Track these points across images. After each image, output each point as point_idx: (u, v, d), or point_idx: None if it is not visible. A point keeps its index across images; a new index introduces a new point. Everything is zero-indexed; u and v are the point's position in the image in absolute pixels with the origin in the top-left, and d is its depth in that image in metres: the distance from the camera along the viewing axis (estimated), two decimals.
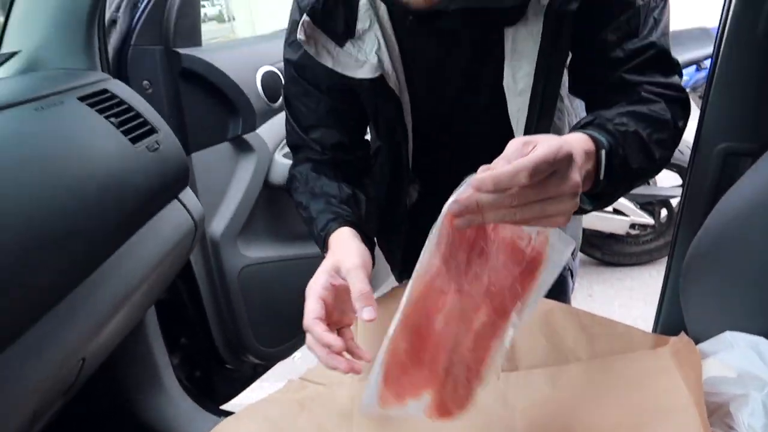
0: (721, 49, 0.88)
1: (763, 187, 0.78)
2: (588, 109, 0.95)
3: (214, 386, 1.51)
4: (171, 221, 0.96)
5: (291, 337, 1.52)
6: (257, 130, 1.36)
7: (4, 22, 0.96)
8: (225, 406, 1.44)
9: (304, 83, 0.92)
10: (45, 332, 0.67)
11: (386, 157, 0.99)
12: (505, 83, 0.83)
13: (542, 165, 0.54)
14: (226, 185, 1.35)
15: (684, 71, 2.46)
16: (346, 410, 0.80)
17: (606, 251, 2.75)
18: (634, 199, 2.61)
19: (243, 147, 1.36)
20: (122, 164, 0.85)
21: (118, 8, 1.12)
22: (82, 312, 0.73)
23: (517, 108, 0.84)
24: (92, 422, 1.24)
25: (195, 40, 1.27)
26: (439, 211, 1.00)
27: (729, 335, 0.76)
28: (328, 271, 0.73)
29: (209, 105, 1.29)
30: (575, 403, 0.78)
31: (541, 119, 0.85)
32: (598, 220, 2.62)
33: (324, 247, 0.86)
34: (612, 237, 2.72)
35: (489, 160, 0.89)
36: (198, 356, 1.46)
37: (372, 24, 0.82)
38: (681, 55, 2.51)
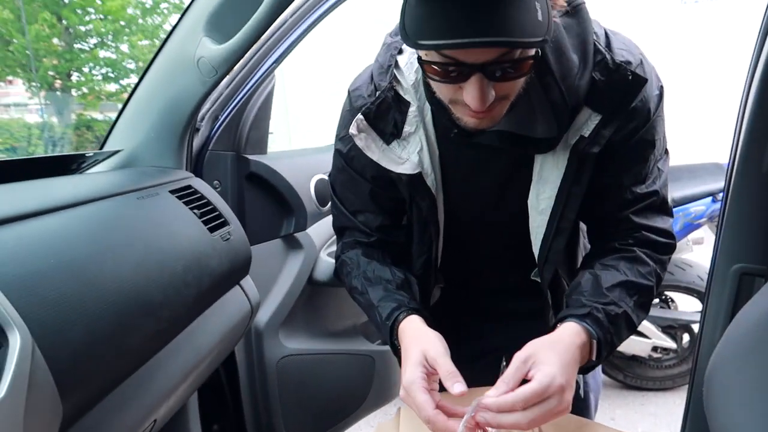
0: (732, 182, 1.00)
1: None
2: (590, 236, 1.07)
3: None
4: (234, 303, 1.07)
5: (320, 429, 1.55)
6: (307, 230, 1.49)
7: (113, 123, 1.13)
8: None
9: (351, 172, 1.02)
10: (128, 392, 0.76)
11: (417, 253, 1.07)
12: (529, 201, 0.95)
13: (533, 398, 0.74)
14: (275, 278, 1.46)
15: (701, 201, 2.60)
16: None
17: (628, 374, 2.73)
18: (655, 321, 2.63)
19: (293, 244, 1.48)
20: (202, 249, 0.97)
21: (202, 118, 1.30)
22: (158, 376, 0.82)
23: (537, 224, 0.96)
24: None
25: (262, 148, 1.44)
26: (459, 310, 1.13)
27: None
28: (421, 362, 0.82)
29: (268, 205, 1.43)
30: None
31: (557, 237, 0.95)
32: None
33: (391, 334, 0.93)
34: (634, 359, 2.71)
35: (507, 268, 1.06)
36: None
37: (417, 129, 0.92)
38: (698, 188, 2.67)
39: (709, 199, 2.55)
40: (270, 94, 1.41)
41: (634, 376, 2.72)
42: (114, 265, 0.78)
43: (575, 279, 0.96)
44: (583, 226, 1.12)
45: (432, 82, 0.81)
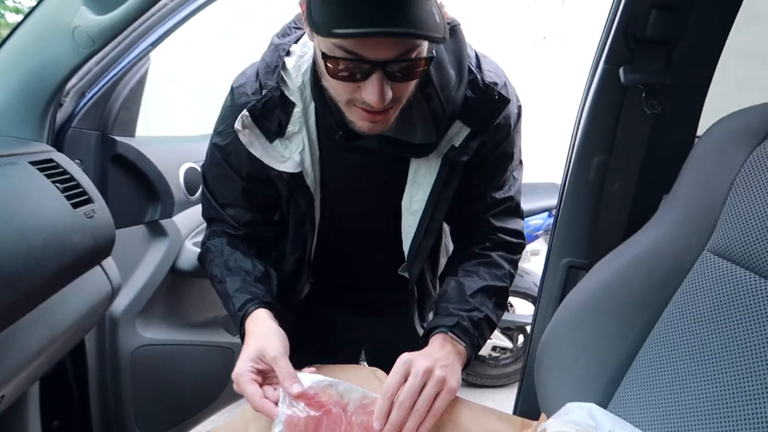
0: (565, 189, 1.18)
1: (591, 292, 1.03)
2: (454, 238, 1.19)
3: None
4: (94, 284, 1.03)
5: (173, 424, 1.51)
6: (173, 218, 1.46)
7: None
8: None
9: (226, 166, 1.03)
10: None
11: (291, 249, 1.10)
12: (403, 203, 1.04)
13: (396, 386, 0.85)
14: (136, 266, 1.41)
15: (539, 216, 2.90)
16: None
17: (471, 372, 2.95)
18: None
19: (157, 231, 1.44)
20: (64, 224, 0.93)
21: (67, 93, 1.23)
22: (12, 349, 0.78)
23: (409, 224, 1.05)
24: None
25: (130, 131, 1.39)
26: (328, 304, 1.20)
27: (569, 405, 0.94)
28: (253, 358, 0.86)
29: (133, 189, 1.39)
30: None
31: (426, 236, 1.05)
32: None
33: (241, 326, 0.96)
34: (476, 358, 2.94)
35: (377, 266, 1.15)
36: None
37: (301, 129, 0.97)
38: (536, 203, 2.97)
39: (546, 214, 2.85)
40: (143, 77, 1.37)
41: (476, 374, 2.95)
42: None
43: (442, 286, 1.05)
44: (446, 228, 1.23)
45: (331, 84, 0.85)
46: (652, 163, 1.09)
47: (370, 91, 0.81)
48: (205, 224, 1.15)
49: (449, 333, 0.95)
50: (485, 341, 1.02)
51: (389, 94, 0.82)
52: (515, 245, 1.10)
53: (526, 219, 2.99)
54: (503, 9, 4.95)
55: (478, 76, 0.96)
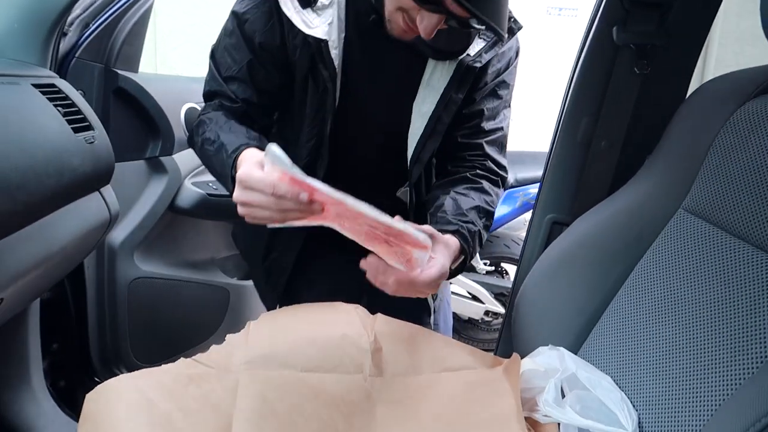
0: (553, 148, 1.20)
1: (569, 245, 1.07)
2: (448, 162, 1.20)
3: (77, 399, 1.50)
4: (92, 209, 1.07)
5: (168, 356, 1.57)
6: (173, 156, 1.50)
7: None
8: None
9: (239, 35, 1.04)
10: None
11: (307, 136, 1.09)
12: (414, 104, 1.09)
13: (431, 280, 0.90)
14: (135, 200, 1.45)
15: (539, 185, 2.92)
16: (231, 387, 0.91)
17: (463, 335, 3.02)
18: (489, 288, 2.94)
19: (157, 168, 1.48)
20: (65, 145, 0.97)
21: (71, 24, 1.25)
22: (9, 258, 0.82)
23: (417, 126, 1.10)
24: None
25: (133, 66, 1.42)
26: (332, 236, 1.20)
27: (541, 348, 0.99)
28: (259, 162, 0.79)
29: (134, 124, 1.42)
30: (425, 401, 0.95)
31: (431, 137, 1.10)
32: (458, 305, 2.91)
33: (233, 167, 0.91)
34: (469, 322, 3.01)
35: (378, 186, 1.16)
36: (67, 365, 1.46)
37: (332, 4, 1.00)
38: (538, 172, 2.98)
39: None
40: (147, 12, 1.39)
41: (468, 338, 3.01)
42: None
43: (436, 202, 1.10)
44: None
45: None
46: (639, 123, 1.12)
47: (426, 23, 0.90)
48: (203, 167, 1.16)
49: (452, 237, 0.99)
50: (473, 257, 1.06)
51: (436, 30, 0.91)
52: (500, 179, 1.17)
53: (526, 186, 2.99)
54: None
55: None
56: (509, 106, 1.18)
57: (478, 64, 1.05)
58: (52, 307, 1.37)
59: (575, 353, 0.98)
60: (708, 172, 0.89)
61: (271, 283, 1.28)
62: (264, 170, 0.77)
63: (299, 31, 0.99)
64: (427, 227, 0.92)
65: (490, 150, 1.15)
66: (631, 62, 1.06)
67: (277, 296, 1.28)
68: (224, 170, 0.94)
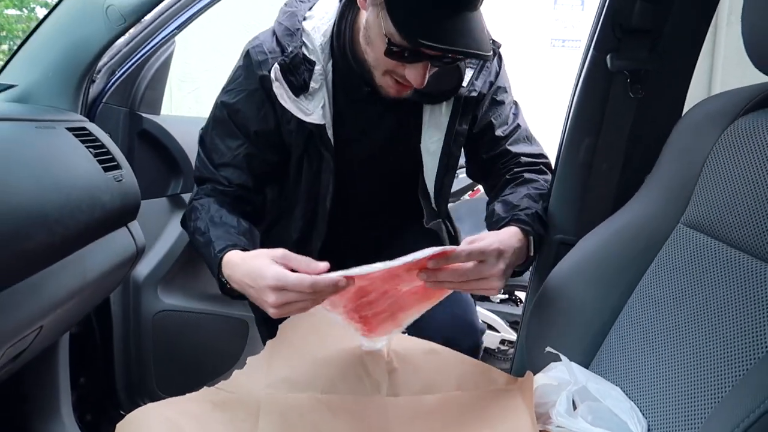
0: (557, 170, 1.25)
1: (575, 263, 1.10)
2: (485, 180, 1.26)
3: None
4: (121, 242, 1.13)
5: (191, 387, 1.59)
6: None
7: (9, 58, 1.16)
8: None
9: (231, 125, 1.08)
10: (19, 294, 0.82)
11: (302, 210, 1.14)
12: (422, 145, 1.13)
13: (476, 253, 0.87)
14: (158, 235, 1.52)
15: None
16: (254, 411, 0.94)
17: None
18: (504, 317, 2.94)
19: (179, 204, 1.55)
20: (96, 183, 1.04)
21: (98, 71, 1.35)
22: (47, 288, 0.88)
23: (430, 165, 1.14)
24: None
25: (155, 109, 1.50)
26: (340, 266, 1.24)
27: (552, 364, 1.02)
28: (274, 259, 0.83)
29: (156, 164, 1.50)
30: (442, 419, 0.98)
31: (447, 172, 1.15)
32: None
33: (219, 268, 0.94)
34: (486, 352, 3.00)
35: (394, 220, 1.21)
36: (93, 398, 1.51)
37: (321, 86, 1.05)
38: None
39: None
40: (169, 58, 1.48)
41: None
42: (14, 178, 0.84)
43: (488, 210, 1.13)
44: None
45: (377, 56, 0.96)
46: (637, 145, 1.16)
47: (413, 74, 0.94)
48: None
49: (512, 225, 1.02)
50: (541, 236, 1.08)
51: (427, 76, 0.95)
52: (541, 165, 1.20)
53: None
54: (522, 12, 5.00)
55: None
56: (515, 105, 1.22)
57: (474, 94, 1.10)
58: (79, 342, 1.42)
59: (587, 367, 1.00)
60: (704, 187, 0.93)
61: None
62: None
63: (293, 116, 1.04)
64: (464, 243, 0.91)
65: (517, 149, 1.18)
66: (625, 87, 1.11)
67: None
68: (212, 268, 0.97)
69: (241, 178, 1.09)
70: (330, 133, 1.08)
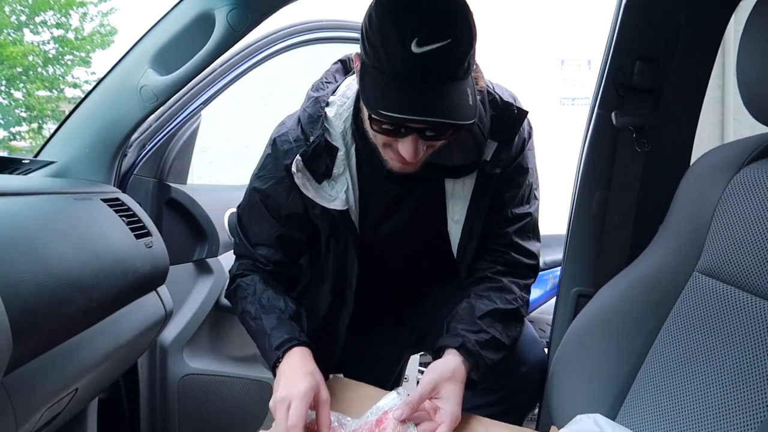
0: (571, 223, 1.28)
1: (594, 315, 1.11)
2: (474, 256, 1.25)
3: None
4: (151, 306, 1.17)
5: None
6: (218, 257, 1.62)
7: (50, 136, 1.24)
8: None
9: (263, 209, 1.13)
10: (58, 356, 0.86)
11: (330, 286, 1.18)
12: (448, 214, 1.14)
13: (417, 403, 0.96)
14: (184, 299, 1.55)
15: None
16: None
17: None
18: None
19: (204, 269, 1.60)
20: (128, 249, 1.09)
21: (130, 145, 1.43)
22: (84, 350, 0.92)
23: (455, 232, 1.14)
24: None
25: (182, 179, 1.58)
26: (371, 335, 1.27)
27: (578, 416, 1.01)
28: (309, 398, 0.95)
29: (184, 230, 1.56)
30: None
31: (470, 240, 1.15)
32: None
33: (276, 362, 1.04)
34: None
35: (420, 289, 1.23)
36: None
37: (344, 170, 1.08)
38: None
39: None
40: (195, 131, 1.57)
41: None
42: (56, 246, 0.89)
43: (455, 308, 1.13)
44: None
45: (370, 130, 0.98)
46: (648, 196, 1.20)
47: (405, 149, 0.94)
48: None
49: (457, 354, 1.03)
50: (493, 361, 1.08)
51: (422, 150, 0.95)
52: (528, 268, 1.18)
53: (554, 269, 3.00)
54: (531, 72, 5.14)
55: (496, 96, 1.09)
56: (536, 189, 1.20)
57: (497, 170, 1.09)
58: (107, 407, 1.44)
59: (613, 419, 1.00)
60: (716, 234, 0.95)
61: (324, 362, 1.30)
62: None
63: (317, 203, 1.09)
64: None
65: (517, 238, 1.16)
66: (632, 142, 1.16)
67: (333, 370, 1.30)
68: (268, 358, 1.07)
69: (276, 256, 1.15)
70: (355, 216, 1.11)
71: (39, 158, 1.23)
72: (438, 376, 0.99)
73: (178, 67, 1.13)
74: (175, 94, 1.19)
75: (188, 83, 1.18)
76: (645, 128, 1.14)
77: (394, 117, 0.89)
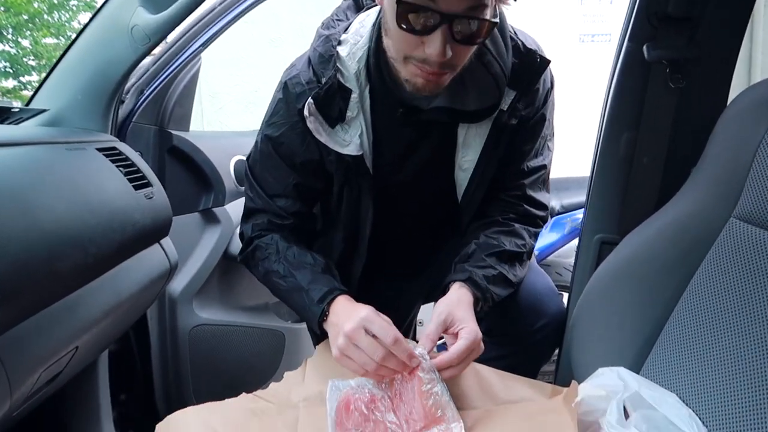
0: (596, 167, 1.21)
1: (621, 262, 1.05)
2: (483, 204, 1.20)
3: None
4: (154, 260, 1.13)
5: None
6: (225, 206, 1.57)
7: (40, 83, 1.17)
8: None
9: (277, 158, 1.08)
10: (56, 314, 0.82)
11: (343, 235, 1.15)
12: (456, 160, 1.09)
13: (466, 352, 0.91)
14: (191, 250, 1.52)
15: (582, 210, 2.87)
16: (291, 422, 0.93)
17: None
18: None
19: (211, 219, 1.55)
20: (127, 202, 1.04)
21: (127, 91, 1.36)
22: (83, 307, 0.88)
23: (461, 179, 1.11)
24: None
25: (184, 126, 1.51)
26: (384, 285, 1.23)
27: (600, 369, 0.97)
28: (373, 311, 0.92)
29: (188, 179, 1.50)
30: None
31: (477, 189, 1.11)
32: None
33: (322, 317, 0.99)
34: None
35: (433, 237, 1.18)
36: (134, 415, 1.51)
37: (358, 114, 1.03)
38: (584, 197, 2.96)
39: None
40: (195, 75, 1.49)
41: None
42: (47, 199, 0.84)
43: (463, 249, 1.11)
44: None
45: (394, 38, 0.92)
46: (680, 137, 1.11)
47: (432, 45, 0.87)
48: None
49: (463, 285, 1.01)
50: (499, 297, 1.06)
51: (449, 52, 0.88)
52: (538, 218, 1.16)
53: (573, 212, 2.95)
54: (550, 9, 4.93)
55: (519, 43, 1.03)
56: (551, 138, 1.16)
57: (514, 121, 1.04)
58: (118, 359, 1.43)
59: (637, 373, 0.96)
60: (756, 178, 0.88)
61: None
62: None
63: (332, 149, 1.04)
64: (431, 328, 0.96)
65: (530, 191, 1.14)
66: (664, 78, 1.07)
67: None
68: (308, 313, 1.02)
69: (295, 206, 1.11)
70: (369, 161, 1.06)
71: (30, 107, 1.17)
72: (447, 305, 0.97)
73: (170, 4, 1.05)
74: (169, 33, 1.11)
75: (182, 22, 1.09)
76: (680, 62, 1.04)
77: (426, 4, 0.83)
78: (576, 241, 2.89)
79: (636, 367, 0.97)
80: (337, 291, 1.00)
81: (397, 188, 1.15)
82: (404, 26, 0.87)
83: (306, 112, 1.00)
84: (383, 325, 0.89)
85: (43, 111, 1.15)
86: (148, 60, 1.39)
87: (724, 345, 0.82)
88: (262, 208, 1.12)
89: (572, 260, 2.88)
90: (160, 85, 1.39)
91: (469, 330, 0.92)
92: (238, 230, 1.60)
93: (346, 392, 0.91)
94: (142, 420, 1.54)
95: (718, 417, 0.77)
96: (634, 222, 1.10)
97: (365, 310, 0.91)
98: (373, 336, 0.88)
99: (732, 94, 1.07)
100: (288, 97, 1.05)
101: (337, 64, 1.01)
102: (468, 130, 1.06)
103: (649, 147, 1.12)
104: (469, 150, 1.07)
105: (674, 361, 0.90)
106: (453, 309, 0.96)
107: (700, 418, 0.79)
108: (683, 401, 0.83)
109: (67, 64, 1.16)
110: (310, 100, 1.00)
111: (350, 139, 1.03)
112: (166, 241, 1.21)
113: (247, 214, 1.16)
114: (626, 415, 0.85)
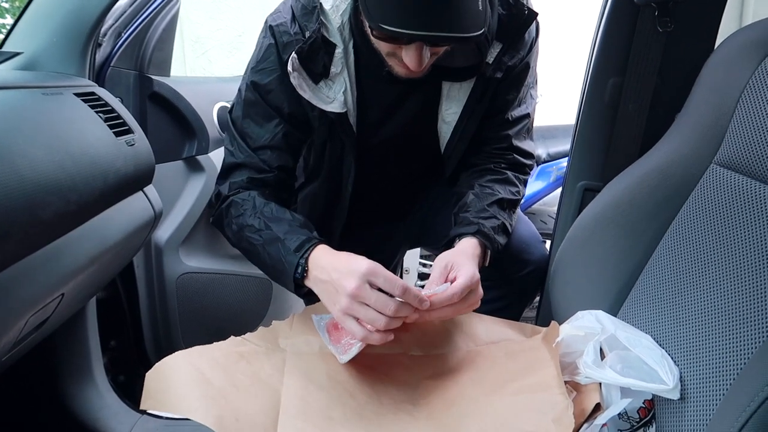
0: (581, 112, 1.20)
1: (602, 209, 1.07)
2: (471, 156, 1.21)
3: (136, 391, 1.57)
4: (137, 208, 1.12)
5: None
6: (209, 154, 1.55)
7: (12, 25, 1.13)
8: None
9: (264, 106, 1.05)
10: (38, 262, 0.82)
11: (325, 189, 1.14)
12: (439, 113, 1.09)
13: (463, 292, 0.89)
14: (176, 198, 1.51)
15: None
16: (279, 365, 0.95)
17: None
18: None
19: (195, 166, 1.53)
20: (107, 149, 1.02)
21: (104, 34, 1.31)
22: (66, 255, 0.88)
23: (444, 132, 1.11)
24: (20, 407, 1.29)
25: (165, 70, 1.47)
26: (366, 231, 1.23)
27: (579, 312, 1.00)
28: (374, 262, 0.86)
29: (170, 126, 1.47)
30: (466, 371, 0.97)
31: (459, 142, 1.11)
32: None
33: (304, 267, 0.92)
34: None
35: (414, 188, 1.18)
36: (125, 360, 1.54)
37: (342, 69, 1.00)
38: (565, 146, 2.95)
39: None
40: (174, 17, 1.44)
41: None
42: (24, 145, 0.82)
43: (462, 199, 1.11)
44: None
45: (372, 38, 0.91)
46: (666, 83, 1.11)
47: (409, 57, 0.87)
48: None
49: (474, 238, 1.02)
50: (502, 246, 1.08)
51: (427, 57, 0.87)
52: (526, 166, 1.18)
53: (559, 160, 2.96)
54: None
55: None
56: (534, 86, 1.16)
57: (499, 74, 1.03)
58: (107, 306, 1.44)
59: (615, 315, 0.98)
60: (739, 124, 0.88)
61: None
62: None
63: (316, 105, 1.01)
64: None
65: (516, 141, 1.15)
66: (653, 21, 1.05)
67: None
68: (283, 264, 0.94)
69: (280, 159, 1.07)
70: (353, 118, 1.04)
71: (3, 50, 1.13)
72: (448, 255, 0.97)
73: None
74: None
75: None
76: (669, 4, 1.03)
77: (398, 32, 0.80)
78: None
79: (614, 310, 0.99)
80: (315, 239, 0.95)
81: (380, 146, 1.14)
82: (378, 37, 0.89)
83: (290, 67, 0.97)
84: (388, 277, 0.83)
85: (17, 54, 1.11)
86: (124, 1, 1.34)
87: (700, 289, 0.84)
88: (242, 163, 1.07)
89: (555, 208, 2.92)
90: (138, 28, 1.34)
91: (466, 270, 0.91)
92: None
93: (331, 318, 0.94)
94: (133, 365, 1.56)
95: (689, 358, 0.79)
96: (618, 169, 1.10)
97: (364, 263, 0.84)
98: (378, 290, 0.83)
99: (721, 41, 1.05)
100: (278, 45, 1.02)
101: (321, 17, 0.98)
102: (452, 85, 1.05)
103: (635, 93, 1.12)
104: (453, 102, 1.07)
105: (650, 303, 0.93)
106: (453, 257, 0.96)
107: (672, 358, 0.82)
108: (658, 342, 0.86)
109: (40, 5, 1.11)
110: (294, 55, 0.97)
111: (334, 96, 1.01)
112: (150, 189, 1.19)
113: (226, 171, 1.10)
114: (602, 356, 0.88)
